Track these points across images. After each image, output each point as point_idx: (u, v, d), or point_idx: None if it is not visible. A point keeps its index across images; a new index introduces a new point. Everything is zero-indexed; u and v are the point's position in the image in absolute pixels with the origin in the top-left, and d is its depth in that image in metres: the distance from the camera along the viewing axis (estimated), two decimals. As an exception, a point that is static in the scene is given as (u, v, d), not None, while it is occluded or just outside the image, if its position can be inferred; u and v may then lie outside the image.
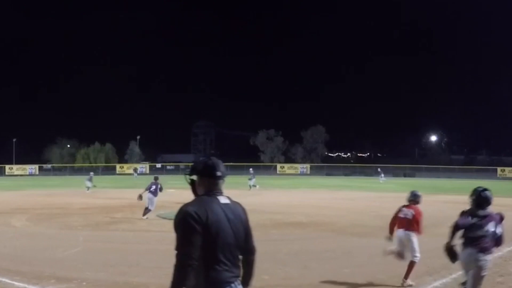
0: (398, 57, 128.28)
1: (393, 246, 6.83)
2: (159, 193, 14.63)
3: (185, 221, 2.42)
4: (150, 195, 14.25)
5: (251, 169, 31.76)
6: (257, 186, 29.46)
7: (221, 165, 2.67)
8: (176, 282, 2.37)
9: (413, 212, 6.70)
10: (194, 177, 2.66)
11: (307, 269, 7.55)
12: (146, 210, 14.06)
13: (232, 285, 2.46)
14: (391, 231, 6.84)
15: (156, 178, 14.99)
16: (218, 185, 2.61)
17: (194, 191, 2.66)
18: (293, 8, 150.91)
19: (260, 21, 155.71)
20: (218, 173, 2.61)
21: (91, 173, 29.36)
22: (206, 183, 2.61)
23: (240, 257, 2.60)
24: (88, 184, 27.01)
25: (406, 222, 6.67)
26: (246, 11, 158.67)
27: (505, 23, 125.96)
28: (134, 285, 6.49)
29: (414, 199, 6.91)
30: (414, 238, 6.64)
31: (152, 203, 14.20)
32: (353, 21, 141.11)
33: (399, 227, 6.76)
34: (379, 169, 44.41)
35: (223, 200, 2.57)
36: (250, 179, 29.62)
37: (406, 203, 6.96)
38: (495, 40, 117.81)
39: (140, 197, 14.22)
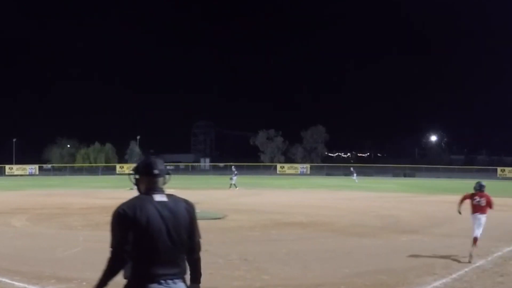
0: (398, 57, 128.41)
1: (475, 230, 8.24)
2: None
3: (115, 220, 2.54)
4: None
5: (233, 167, 30.91)
6: (237, 187, 27.86)
7: (159, 164, 2.74)
8: (105, 274, 2.50)
9: (486, 199, 8.34)
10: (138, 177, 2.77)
11: (307, 269, 7.54)
12: None
13: (162, 281, 2.49)
14: (460, 206, 8.72)
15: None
16: (156, 183, 2.69)
17: (138, 190, 2.75)
18: (293, 8, 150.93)
19: (260, 21, 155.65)
20: (155, 171, 2.69)
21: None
22: (145, 181, 2.70)
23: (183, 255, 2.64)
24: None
25: (480, 207, 8.33)
26: (246, 10, 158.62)
27: (504, 23, 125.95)
28: (134, 285, 6.48)
29: (480, 189, 8.42)
30: (484, 219, 8.34)
31: None
32: (352, 21, 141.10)
33: (474, 212, 8.38)
34: (352, 168, 43.51)
35: (158, 198, 2.62)
36: (231, 178, 28.61)
37: (473, 191, 8.50)
38: (495, 40, 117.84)
39: None
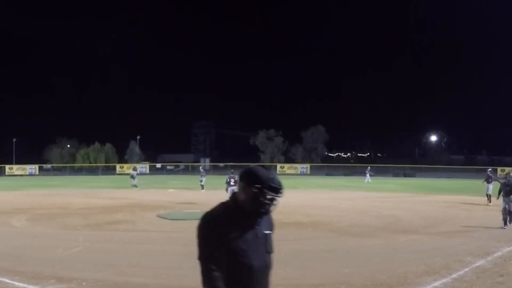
0: (398, 57, 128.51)
1: None
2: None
3: None
4: (234, 188, 16.01)
5: (201, 167, 30.24)
6: (204, 189, 26.59)
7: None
8: None
9: None
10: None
11: (307, 269, 7.54)
12: None
13: None
14: None
15: (232, 172, 16.90)
16: None
17: None
18: (293, 9, 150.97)
19: (261, 21, 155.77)
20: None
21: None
22: None
23: None
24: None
25: None
26: (245, 12, 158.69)
27: (504, 23, 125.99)
28: (134, 285, 6.48)
29: None
30: None
31: None
32: (352, 21, 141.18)
33: None
34: (368, 168, 43.17)
35: None
36: (200, 179, 27.80)
37: None
38: (495, 40, 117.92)
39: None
